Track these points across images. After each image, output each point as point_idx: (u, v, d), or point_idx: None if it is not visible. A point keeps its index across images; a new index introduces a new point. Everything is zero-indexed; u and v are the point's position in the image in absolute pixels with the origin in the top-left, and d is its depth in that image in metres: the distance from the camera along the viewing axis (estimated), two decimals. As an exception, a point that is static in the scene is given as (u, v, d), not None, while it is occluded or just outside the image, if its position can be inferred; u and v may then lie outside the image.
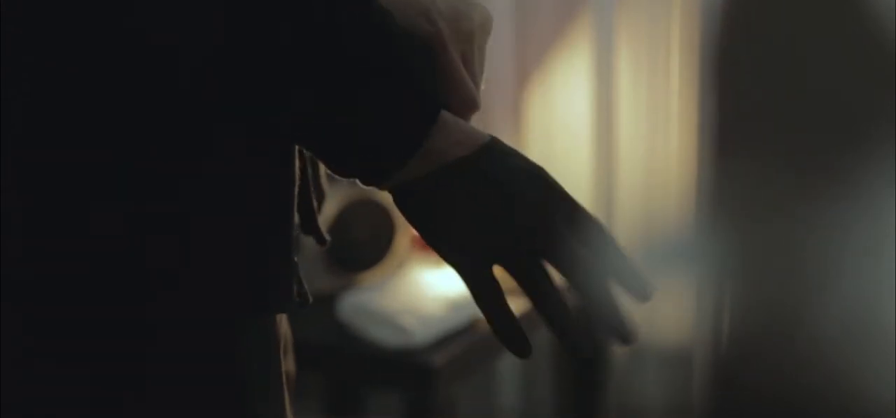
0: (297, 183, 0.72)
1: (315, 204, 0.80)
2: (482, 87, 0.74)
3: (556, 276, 0.69)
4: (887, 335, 1.73)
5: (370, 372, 1.64)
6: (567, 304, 0.69)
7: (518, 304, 1.64)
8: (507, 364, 2.16)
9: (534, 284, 0.69)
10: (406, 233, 1.80)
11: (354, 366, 1.65)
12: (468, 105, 0.71)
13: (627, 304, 0.71)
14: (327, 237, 0.81)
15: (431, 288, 1.67)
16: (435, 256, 1.94)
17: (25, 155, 0.64)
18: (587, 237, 0.69)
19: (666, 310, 1.98)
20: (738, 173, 1.88)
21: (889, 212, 1.69)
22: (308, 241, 0.77)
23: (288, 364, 0.80)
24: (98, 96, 0.64)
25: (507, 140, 0.76)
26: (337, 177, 0.69)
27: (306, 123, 0.65)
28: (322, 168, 0.80)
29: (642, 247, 1.98)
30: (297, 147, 0.74)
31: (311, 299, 0.76)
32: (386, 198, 1.75)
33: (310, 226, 0.80)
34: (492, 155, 0.68)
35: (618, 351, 2.04)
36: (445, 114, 0.67)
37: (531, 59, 2.01)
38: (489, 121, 2.00)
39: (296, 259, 0.73)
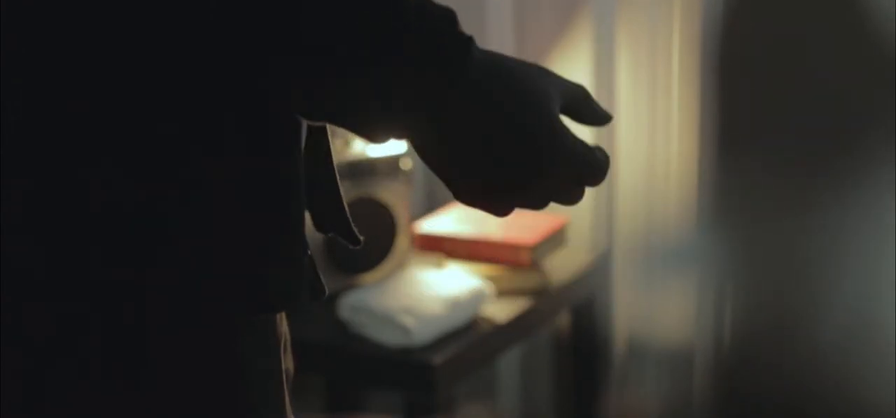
0: (303, 182, 0.72)
1: (346, 204, 0.80)
2: None
3: None
4: (887, 336, 1.73)
5: (370, 372, 1.64)
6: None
7: (514, 306, 1.63)
8: (507, 364, 2.16)
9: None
10: (406, 233, 1.80)
11: (354, 366, 1.65)
12: None
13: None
14: (361, 237, 0.81)
15: (431, 288, 1.67)
16: (435, 256, 1.93)
17: (25, 154, 0.64)
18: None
19: (666, 309, 1.98)
20: (738, 173, 1.88)
21: (889, 213, 1.69)
22: (309, 240, 0.78)
23: (286, 362, 0.80)
24: (98, 93, 0.64)
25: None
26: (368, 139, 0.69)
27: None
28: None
29: (642, 247, 1.98)
30: (309, 146, 0.74)
31: (327, 291, 0.76)
32: (386, 197, 1.75)
33: (339, 225, 0.80)
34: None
35: (618, 351, 2.04)
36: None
37: (531, 59, 2.00)
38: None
39: (310, 253, 0.73)
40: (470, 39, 0.66)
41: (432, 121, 0.67)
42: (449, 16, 0.65)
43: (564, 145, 0.70)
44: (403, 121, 0.67)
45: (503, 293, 1.76)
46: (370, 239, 1.86)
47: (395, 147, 1.74)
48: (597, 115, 0.76)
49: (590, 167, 0.72)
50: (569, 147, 0.70)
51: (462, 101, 0.67)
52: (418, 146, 0.69)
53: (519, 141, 0.69)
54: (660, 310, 1.98)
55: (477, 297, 1.66)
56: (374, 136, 0.67)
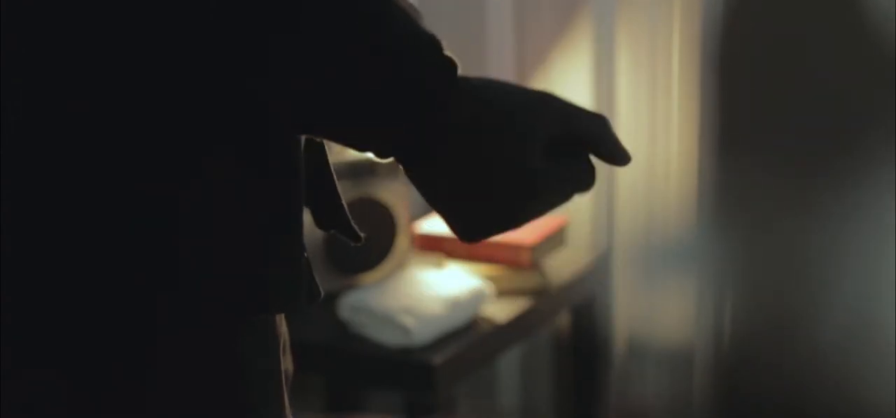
0: (303, 182, 0.72)
1: (344, 202, 0.80)
2: None
3: None
4: (887, 336, 1.73)
5: (370, 372, 1.64)
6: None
7: (514, 306, 1.63)
8: (507, 364, 2.16)
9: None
10: (406, 233, 1.80)
11: (354, 366, 1.65)
12: None
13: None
14: (362, 234, 0.81)
15: (431, 288, 1.66)
16: (435, 256, 1.92)
17: (25, 154, 0.64)
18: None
19: (666, 309, 1.98)
20: (738, 173, 1.88)
21: (889, 213, 1.69)
22: (309, 241, 0.78)
23: (286, 362, 0.80)
24: (100, 93, 0.64)
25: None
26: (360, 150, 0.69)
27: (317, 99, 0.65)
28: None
29: (642, 247, 1.98)
30: (306, 146, 0.74)
31: (322, 293, 0.76)
32: (386, 197, 1.75)
33: (341, 223, 0.80)
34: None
35: (618, 350, 2.04)
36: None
37: (531, 58, 2.01)
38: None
39: (306, 255, 0.73)
40: (454, 63, 0.66)
41: (423, 137, 0.67)
42: (435, 38, 0.66)
43: (548, 175, 0.71)
44: (397, 137, 0.67)
45: (503, 293, 1.75)
46: (370, 239, 1.86)
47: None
48: (612, 154, 0.74)
49: (577, 186, 0.72)
50: (555, 177, 0.71)
51: (454, 116, 0.67)
52: (407, 165, 0.70)
53: (518, 138, 0.69)
54: (660, 309, 1.98)
55: (477, 297, 1.66)
56: (371, 150, 0.68)
